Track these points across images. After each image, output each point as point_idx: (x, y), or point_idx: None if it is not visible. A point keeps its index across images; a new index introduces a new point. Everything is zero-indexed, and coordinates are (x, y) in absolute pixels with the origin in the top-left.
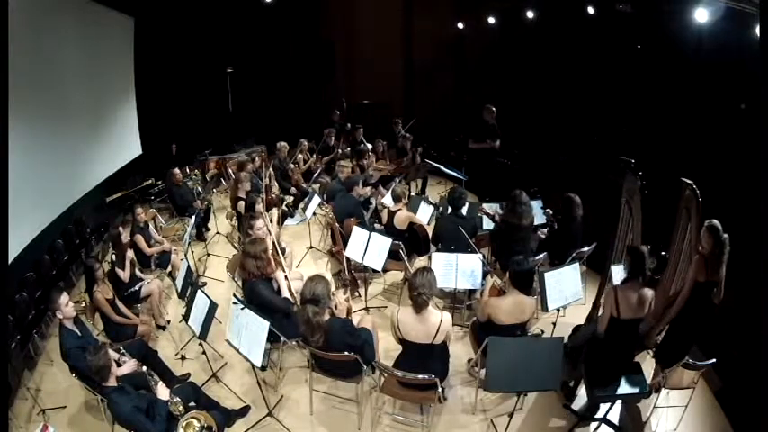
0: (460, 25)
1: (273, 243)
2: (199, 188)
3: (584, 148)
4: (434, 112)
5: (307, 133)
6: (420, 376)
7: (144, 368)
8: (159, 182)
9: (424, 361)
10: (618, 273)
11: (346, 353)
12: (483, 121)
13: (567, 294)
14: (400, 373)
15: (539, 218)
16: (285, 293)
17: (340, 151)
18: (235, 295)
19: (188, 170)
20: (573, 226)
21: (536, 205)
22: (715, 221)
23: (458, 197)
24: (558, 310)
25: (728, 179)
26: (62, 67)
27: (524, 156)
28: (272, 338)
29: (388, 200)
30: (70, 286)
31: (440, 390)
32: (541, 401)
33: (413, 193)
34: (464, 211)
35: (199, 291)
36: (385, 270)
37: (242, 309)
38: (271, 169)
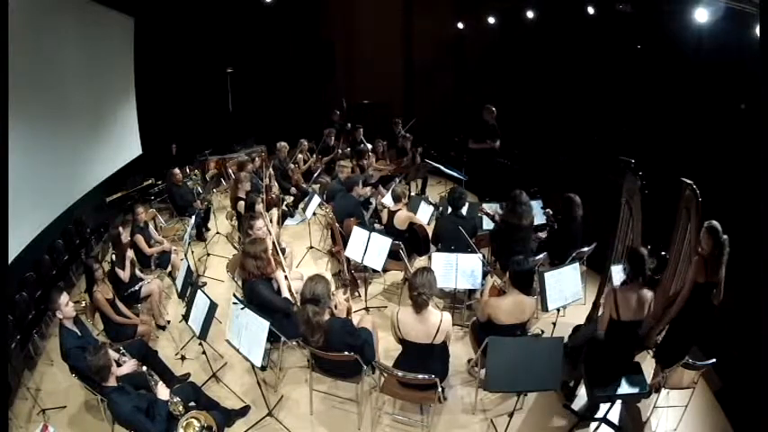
0: (460, 25)
1: (273, 243)
2: (199, 188)
3: (584, 148)
4: (434, 112)
5: (307, 133)
6: (420, 376)
7: (144, 368)
8: (159, 182)
9: (424, 361)
10: (618, 273)
11: (346, 353)
12: (483, 121)
13: (567, 294)
14: (400, 373)
15: (539, 218)
16: (285, 293)
17: (340, 151)
18: (235, 295)
19: (188, 170)
20: (573, 226)
21: (536, 205)
22: (714, 222)
23: (458, 197)
24: (558, 310)
25: (728, 179)
26: (62, 67)
27: (524, 156)
28: (272, 338)
29: (388, 200)
30: (70, 286)
31: (440, 390)
32: (541, 401)
33: (413, 193)
34: (464, 211)
35: (199, 291)
36: (385, 270)
37: (242, 309)
38: (271, 169)
